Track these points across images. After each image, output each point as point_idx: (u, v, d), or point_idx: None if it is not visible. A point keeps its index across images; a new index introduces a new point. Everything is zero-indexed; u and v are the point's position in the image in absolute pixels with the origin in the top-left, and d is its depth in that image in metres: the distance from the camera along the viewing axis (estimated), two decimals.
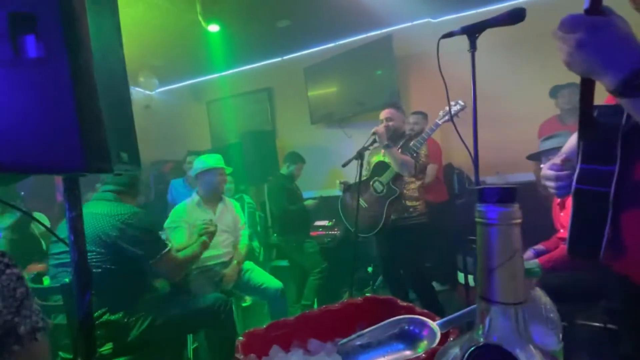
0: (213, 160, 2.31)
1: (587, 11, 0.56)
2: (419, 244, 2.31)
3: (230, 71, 4.34)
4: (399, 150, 2.18)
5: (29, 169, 0.77)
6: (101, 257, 1.42)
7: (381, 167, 2.25)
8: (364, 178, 2.25)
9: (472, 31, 1.09)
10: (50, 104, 0.80)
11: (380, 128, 2.13)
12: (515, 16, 1.03)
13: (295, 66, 4.01)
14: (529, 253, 1.93)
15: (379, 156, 2.31)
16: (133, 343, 1.45)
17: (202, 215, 2.24)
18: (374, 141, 2.12)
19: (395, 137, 2.25)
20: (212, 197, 2.34)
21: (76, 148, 0.77)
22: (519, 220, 0.26)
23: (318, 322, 0.48)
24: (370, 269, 3.36)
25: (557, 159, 0.81)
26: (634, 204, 0.68)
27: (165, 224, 2.22)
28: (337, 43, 3.83)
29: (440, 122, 2.08)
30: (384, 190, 2.21)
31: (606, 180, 0.69)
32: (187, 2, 2.67)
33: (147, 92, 4.55)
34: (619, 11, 0.58)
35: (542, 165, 1.81)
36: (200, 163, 2.31)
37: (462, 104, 2.08)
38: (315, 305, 3.02)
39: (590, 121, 0.67)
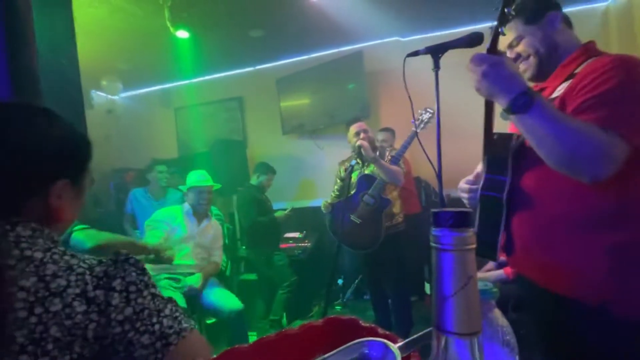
0: (206, 179, 2.44)
1: (488, 51, 0.80)
2: (401, 252, 2.31)
3: (201, 78, 4.23)
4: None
5: None
6: None
7: (366, 180, 2.23)
8: (341, 194, 2.21)
9: (436, 51, 1.14)
10: None
11: (364, 142, 2.10)
12: (474, 40, 1.09)
13: (268, 76, 3.99)
14: (492, 264, 2.01)
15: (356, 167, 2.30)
16: None
17: (188, 222, 2.36)
18: (360, 154, 2.07)
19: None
20: (199, 212, 2.43)
21: None
22: (474, 246, 0.25)
23: (275, 348, 0.45)
24: (340, 281, 3.34)
25: (471, 176, 0.95)
26: (520, 208, 0.82)
27: (147, 222, 2.29)
28: (310, 56, 3.87)
29: (418, 130, 2.10)
30: (377, 203, 2.18)
31: (502, 187, 0.83)
32: (154, 6, 2.59)
33: (110, 96, 4.33)
34: None
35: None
36: (195, 179, 2.43)
37: (431, 111, 2.15)
38: (284, 320, 2.94)
39: (491, 139, 0.84)
